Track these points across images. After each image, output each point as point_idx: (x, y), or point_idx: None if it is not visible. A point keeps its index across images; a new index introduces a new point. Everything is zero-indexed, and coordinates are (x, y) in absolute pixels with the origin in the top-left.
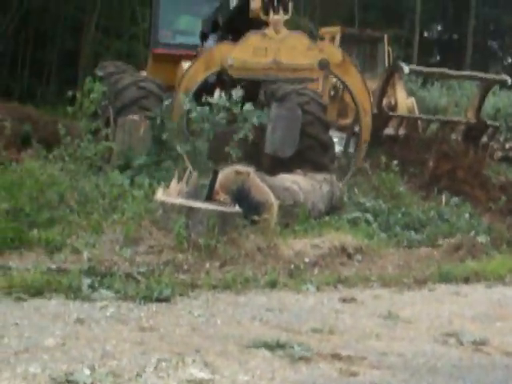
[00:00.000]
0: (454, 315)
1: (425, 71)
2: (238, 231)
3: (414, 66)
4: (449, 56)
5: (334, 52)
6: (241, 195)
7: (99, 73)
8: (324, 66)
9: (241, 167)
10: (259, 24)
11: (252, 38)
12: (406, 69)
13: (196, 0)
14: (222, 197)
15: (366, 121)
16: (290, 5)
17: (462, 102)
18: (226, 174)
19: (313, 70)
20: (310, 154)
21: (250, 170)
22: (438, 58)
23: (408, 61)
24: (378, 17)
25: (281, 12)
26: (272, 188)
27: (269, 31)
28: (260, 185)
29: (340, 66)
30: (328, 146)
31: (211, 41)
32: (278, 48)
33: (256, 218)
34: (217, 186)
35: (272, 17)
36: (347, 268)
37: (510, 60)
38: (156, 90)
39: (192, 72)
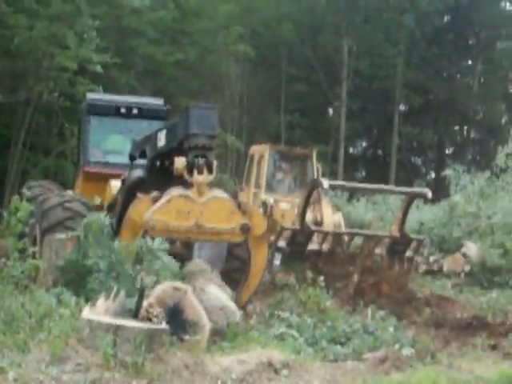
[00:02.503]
0: None
1: (343, 186)
2: (165, 348)
3: (332, 181)
4: (374, 171)
5: (259, 223)
6: (175, 312)
7: (27, 193)
8: (245, 231)
9: (179, 284)
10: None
11: (175, 201)
12: (326, 183)
13: (125, 120)
14: (156, 310)
15: (244, 297)
16: (215, 164)
17: (387, 216)
18: (164, 288)
19: (234, 234)
20: (236, 275)
21: (188, 288)
22: (364, 173)
23: (334, 176)
24: (304, 135)
25: (205, 172)
26: (208, 308)
27: (192, 193)
28: (195, 305)
29: (260, 238)
30: None
31: (139, 166)
32: (201, 212)
33: (187, 337)
34: (152, 299)
35: (196, 178)
36: (274, 383)
37: (433, 175)
38: (82, 211)
39: (124, 244)
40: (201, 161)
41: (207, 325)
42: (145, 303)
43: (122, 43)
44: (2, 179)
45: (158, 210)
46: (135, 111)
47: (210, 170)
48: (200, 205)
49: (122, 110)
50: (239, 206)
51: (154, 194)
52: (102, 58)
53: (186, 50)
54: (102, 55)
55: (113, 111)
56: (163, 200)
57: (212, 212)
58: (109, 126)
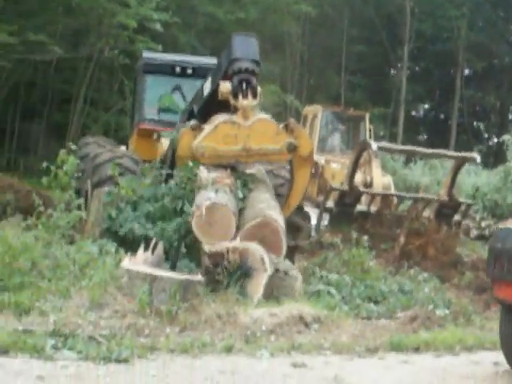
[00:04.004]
0: (396, 382)
1: (392, 148)
2: (199, 299)
3: (382, 144)
4: (435, 135)
5: (306, 143)
6: (244, 265)
7: (80, 148)
8: (292, 149)
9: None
10: (229, 107)
11: (221, 126)
12: (374, 146)
13: (179, 79)
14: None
15: (284, 214)
16: (259, 90)
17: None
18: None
19: (281, 154)
20: (278, 190)
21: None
22: (425, 136)
23: (393, 139)
24: (364, 96)
25: (250, 97)
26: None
27: (237, 118)
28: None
29: (304, 160)
30: (300, 227)
31: None
32: (248, 135)
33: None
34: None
35: (241, 102)
36: (303, 336)
37: (495, 140)
38: (132, 167)
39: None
40: (245, 85)
41: (258, 293)
42: (231, 245)
43: (183, 2)
44: (62, 134)
45: (206, 137)
46: (189, 70)
47: (254, 95)
48: (246, 128)
49: (177, 69)
50: (287, 125)
51: (192, 122)
52: (162, 17)
53: (248, 8)
54: (162, 14)
55: (168, 70)
56: (209, 127)
57: (258, 134)
58: (163, 85)
